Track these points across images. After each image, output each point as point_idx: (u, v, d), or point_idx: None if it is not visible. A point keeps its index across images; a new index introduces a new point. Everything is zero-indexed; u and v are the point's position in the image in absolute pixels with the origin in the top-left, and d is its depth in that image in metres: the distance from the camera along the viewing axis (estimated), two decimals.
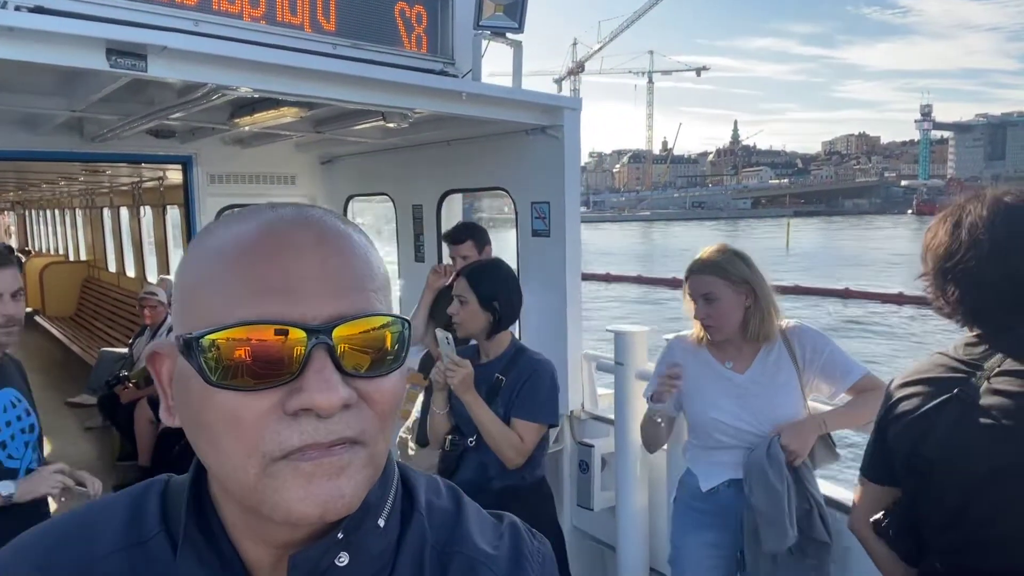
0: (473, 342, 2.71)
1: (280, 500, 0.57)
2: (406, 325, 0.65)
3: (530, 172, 3.76)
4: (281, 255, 0.60)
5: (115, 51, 2.41)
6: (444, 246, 4.18)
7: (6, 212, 20.38)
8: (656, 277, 31.06)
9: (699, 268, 2.46)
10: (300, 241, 0.61)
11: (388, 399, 0.62)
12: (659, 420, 2.55)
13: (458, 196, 4.63)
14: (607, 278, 32.21)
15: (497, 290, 2.64)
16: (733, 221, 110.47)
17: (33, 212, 17.25)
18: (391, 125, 3.40)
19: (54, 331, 10.70)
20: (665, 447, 3.10)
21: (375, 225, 5.68)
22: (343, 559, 0.65)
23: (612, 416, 3.42)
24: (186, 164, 4.86)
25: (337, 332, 0.59)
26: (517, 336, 3.78)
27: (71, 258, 13.74)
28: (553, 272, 3.65)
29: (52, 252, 15.46)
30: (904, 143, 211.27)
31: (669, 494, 2.85)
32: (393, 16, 3.09)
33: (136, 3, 2.47)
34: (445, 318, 2.74)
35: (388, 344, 0.62)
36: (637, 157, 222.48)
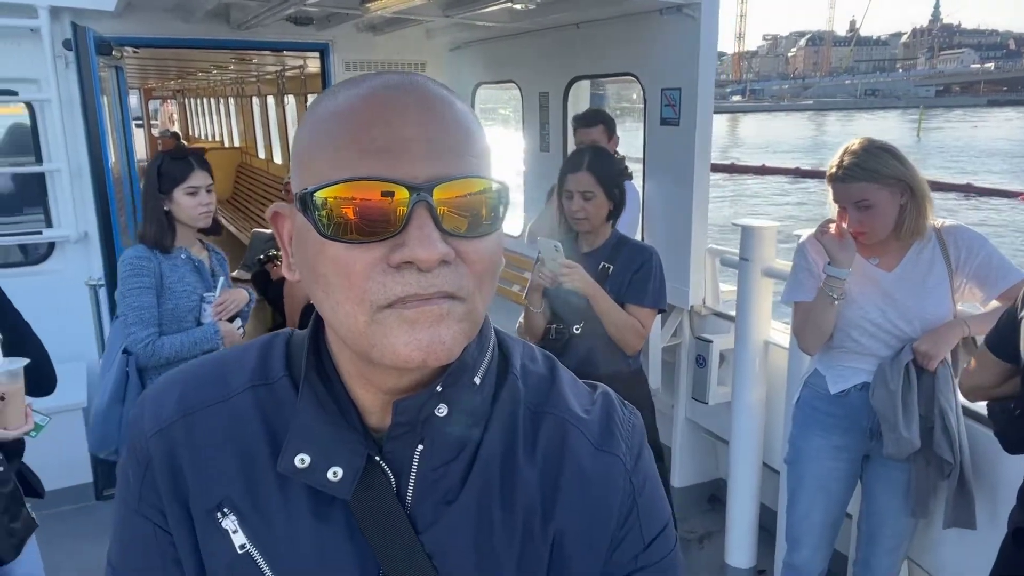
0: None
1: (387, 344, 0.62)
2: (503, 189, 0.66)
3: (662, 56, 3.58)
4: (386, 118, 0.62)
5: None
6: (569, 134, 4.13)
7: (169, 101, 21.98)
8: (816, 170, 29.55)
9: (844, 175, 2.18)
10: (404, 104, 0.63)
11: (484, 259, 0.65)
12: (836, 297, 2.27)
13: (585, 84, 4.50)
14: (762, 170, 30.78)
15: (617, 178, 2.62)
16: (911, 111, 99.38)
17: (192, 101, 18.48)
18: (518, 6, 3.30)
19: None
20: (786, 344, 3.02)
21: (504, 114, 5.65)
22: (442, 410, 0.70)
23: (733, 313, 3.35)
24: (323, 52, 5.00)
25: (437, 191, 0.61)
26: (640, 227, 3.75)
27: (226, 144, 14.73)
28: (680, 163, 3.52)
29: (209, 139, 16.62)
30: None
31: (790, 394, 2.80)
32: None
33: None
34: None
35: (485, 206, 0.64)
36: (816, 39, 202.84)
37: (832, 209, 2.29)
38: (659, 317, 3.20)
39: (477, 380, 0.73)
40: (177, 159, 2.70)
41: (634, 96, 4.06)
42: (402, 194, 0.60)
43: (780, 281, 3.03)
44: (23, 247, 4.37)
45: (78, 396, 3.80)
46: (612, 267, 2.64)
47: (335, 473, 0.69)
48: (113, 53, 4.01)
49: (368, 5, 3.61)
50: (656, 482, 0.79)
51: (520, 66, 4.71)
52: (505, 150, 5.11)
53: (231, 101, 13.53)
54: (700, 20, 3.33)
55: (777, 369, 3.17)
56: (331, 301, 0.64)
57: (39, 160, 4.14)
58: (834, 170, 2.23)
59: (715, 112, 3.52)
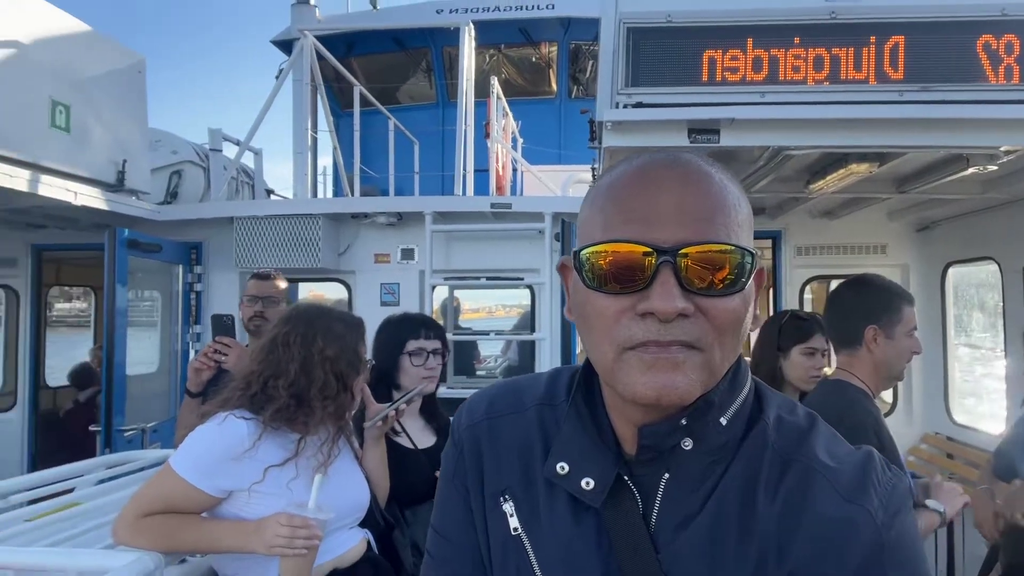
0: None
1: (628, 381, 0.73)
2: (747, 255, 0.73)
3: None
4: (646, 191, 0.75)
5: (695, 130, 2.91)
6: None
7: None
8: None
9: None
10: (663, 179, 0.75)
11: (724, 315, 0.72)
12: None
13: None
14: None
15: None
16: None
17: None
18: (974, 169, 3.05)
19: None
20: None
21: (976, 296, 4.96)
22: (687, 444, 0.77)
23: None
24: (775, 239, 5.22)
25: (682, 254, 0.71)
26: None
27: None
28: None
29: None
30: None
31: None
32: (975, 51, 2.82)
33: (712, 87, 2.94)
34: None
35: (727, 269, 0.72)
36: None
37: None
38: None
39: (724, 421, 0.78)
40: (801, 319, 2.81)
41: None
42: (651, 255, 0.72)
43: None
44: None
45: None
46: None
47: (587, 483, 0.80)
48: None
49: (811, 187, 3.74)
50: (917, 552, 0.72)
51: (999, 240, 4.17)
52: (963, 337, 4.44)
53: None
54: None
55: None
56: (590, 339, 0.78)
57: (533, 331, 5.16)
58: None
59: None
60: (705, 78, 2.98)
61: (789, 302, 5.11)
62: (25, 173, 3.96)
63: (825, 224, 5.06)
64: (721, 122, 2.88)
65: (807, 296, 5.43)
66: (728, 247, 0.72)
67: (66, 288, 8.58)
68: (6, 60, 3.86)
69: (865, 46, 2.86)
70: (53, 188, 4.15)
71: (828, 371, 2.78)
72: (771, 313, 5.17)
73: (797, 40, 2.91)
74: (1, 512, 2.36)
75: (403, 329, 2.46)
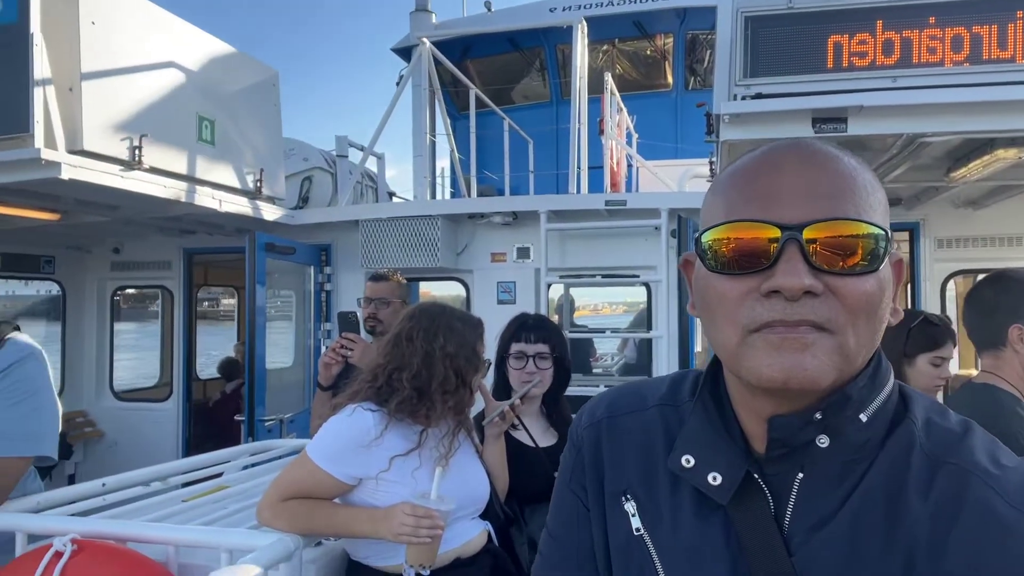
0: None
1: (753, 364, 0.70)
2: (881, 235, 0.69)
3: None
4: (768, 172, 0.73)
5: (819, 119, 2.79)
6: None
7: None
8: None
9: None
10: (785, 161, 0.73)
11: (857, 296, 0.68)
12: None
13: None
14: None
15: None
16: None
17: None
18: None
19: None
20: None
21: None
22: (823, 441, 0.72)
23: None
24: (912, 231, 4.89)
25: (808, 231, 0.68)
26: None
27: None
28: None
29: None
30: None
31: None
32: None
33: (837, 73, 2.81)
34: None
35: (861, 247, 0.68)
36: None
37: None
38: None
39: (863, 417, 0.73)
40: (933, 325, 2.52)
41: None
42: (774, 233, 0.69)
43: None
44: None
45: None
46: None
47: (714, 477, 0.77)
48: None
49: (952, 175, 3.48)
50: None
51: None
52: None
53: None
54: None
55: None
56: (713, 326, 0.75)
57: (649, 329, 5.10)
58: None
59: None
60: (830, 64, 2.85)
61: (928, 298, 4.78)
62: (181, 184, 4.36)
63: (969, 214, 4.69)
64: (849, 110, 2.75)
65: (949, 293, 5.05)
66: (859, 224, 0.69)
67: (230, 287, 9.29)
68: (162, 83, 4.26)
69: (1011, 22, 2.64)
70: (202, 197, 4.54)
71: (972, 372, 2.59)
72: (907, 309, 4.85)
73: (932, 20, 2.73)
74: (161, 493, 2.63)
75: (510, 332, 2.52)
